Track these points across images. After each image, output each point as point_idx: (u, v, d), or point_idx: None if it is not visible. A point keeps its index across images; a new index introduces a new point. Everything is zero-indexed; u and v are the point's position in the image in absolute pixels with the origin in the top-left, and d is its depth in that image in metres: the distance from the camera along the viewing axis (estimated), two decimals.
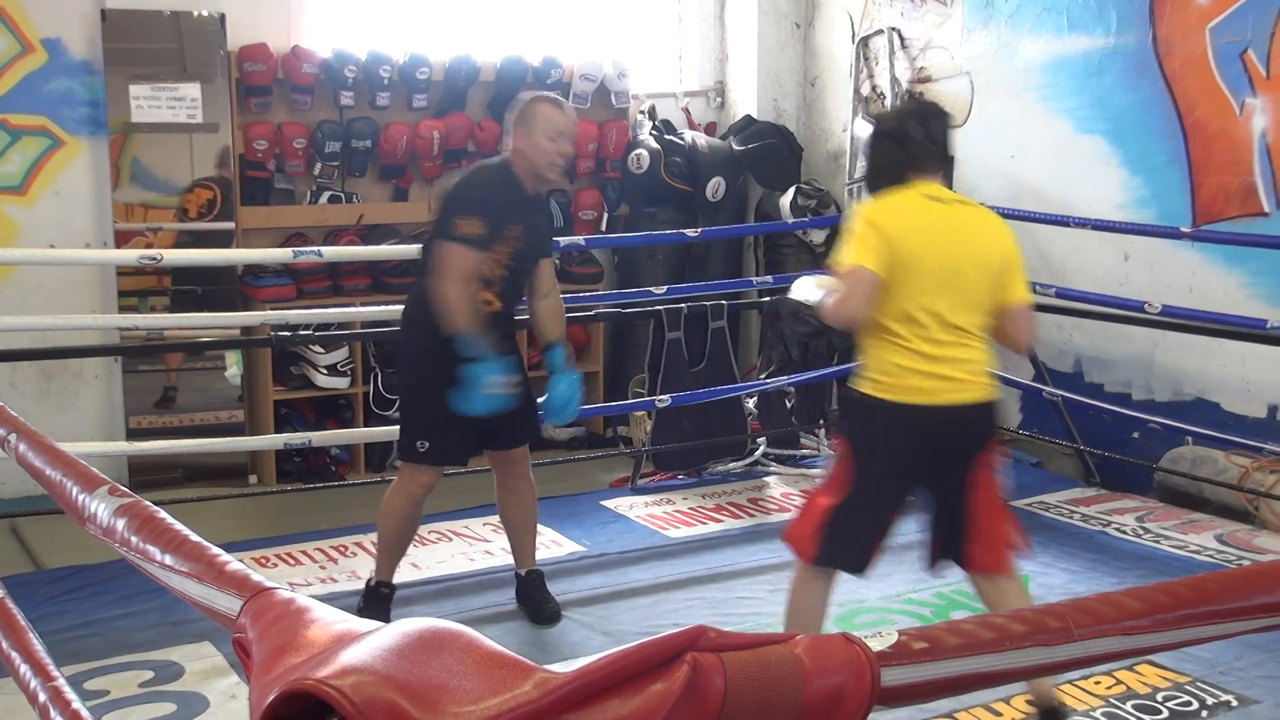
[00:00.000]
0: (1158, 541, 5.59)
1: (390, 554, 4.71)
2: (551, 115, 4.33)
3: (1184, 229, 5.92)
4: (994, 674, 1.34)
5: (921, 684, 1.28)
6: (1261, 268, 5.76)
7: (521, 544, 4.89)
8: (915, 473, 3.73)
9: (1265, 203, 5.77)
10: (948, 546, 3.80)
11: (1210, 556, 5.39)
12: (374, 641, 1.12)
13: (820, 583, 3.83)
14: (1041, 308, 6.19)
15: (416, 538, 5.68)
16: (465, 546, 5.65)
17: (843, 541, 3.73)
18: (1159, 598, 1.40)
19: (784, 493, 6.43)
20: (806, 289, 4.00)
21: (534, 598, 4.87)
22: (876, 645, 1.25)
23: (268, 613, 1.33)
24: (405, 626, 1.15)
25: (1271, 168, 5.74)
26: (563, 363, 4.64)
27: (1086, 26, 6.44)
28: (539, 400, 4.72)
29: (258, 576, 1.48)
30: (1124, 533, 5.72)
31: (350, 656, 1.09)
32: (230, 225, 6.58)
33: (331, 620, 1.27)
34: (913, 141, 3.70)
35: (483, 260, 4.26)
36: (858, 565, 3.79)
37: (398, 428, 4.69)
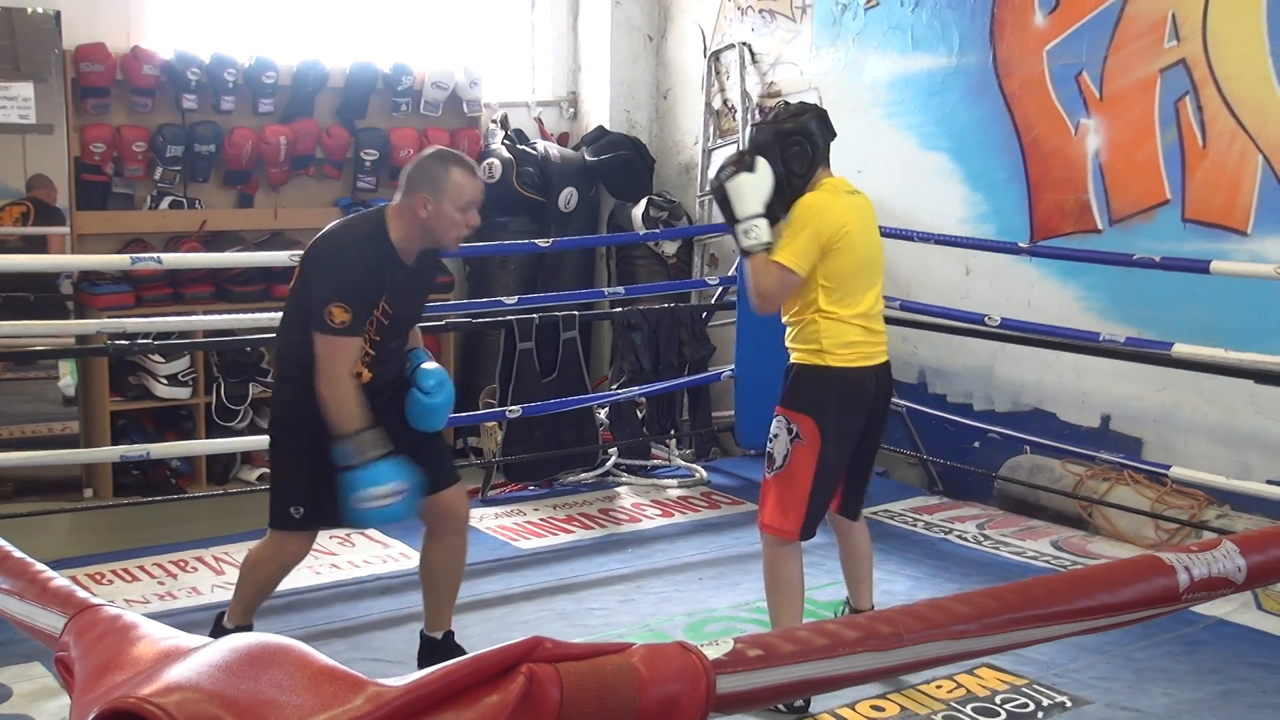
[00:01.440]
0: (997, 548, 5.75)
1: (249, 607, 4.29)
2: (464, 184, 3.88)
3: (1022, 244, 6.11)
4: (828, 679, 1.36)
5: (757, 690, 1.29)
6: (1095, 282, 5.97)
7: (444, 604, 4.40)
8: (859, 431, 4.12)
9: (1099, 220, 5.98)
10: (851, 497, 4.30)
11: (1047, 562, 5.56)
12: (201, 658, 1.09)
13: (799, 554, 4.11)
14: (887, 320, 6.31)
15: None
16: (311, 560, 5.51)
17: (817, 511, 4.07)
18: (986, 602, 1.44)
19: (635, 503, 6.45)
20: (744, 194, 3.93)
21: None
22: (712, 653, 1.26)
23: (91, 630, 1.28)
24: (233, 642, 1.12)
25: (1104, 186, 5.95)
26: (425, 356, 4.24)
27: (930, 46, 6.61)
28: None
29: (83, 593, 1.43)
30: (965, 539, 5.87)
31: (175, 674, 1.06)
32: (64, 230, 6.37)
33: (158, 637, 1.24)
34: (817, 138, 4.01)
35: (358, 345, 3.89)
36: (815, 531, 4.11)
37: (268, 491, 4.20)
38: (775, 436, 4.07)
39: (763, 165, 3.93)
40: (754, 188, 3.92)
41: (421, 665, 4.42)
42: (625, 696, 1.18)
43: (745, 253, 3.95)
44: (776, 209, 3.98)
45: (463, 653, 4.32)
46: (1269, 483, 5.30)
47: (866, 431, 4.16)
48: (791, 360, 4.11)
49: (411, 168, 3.96)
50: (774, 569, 4.12)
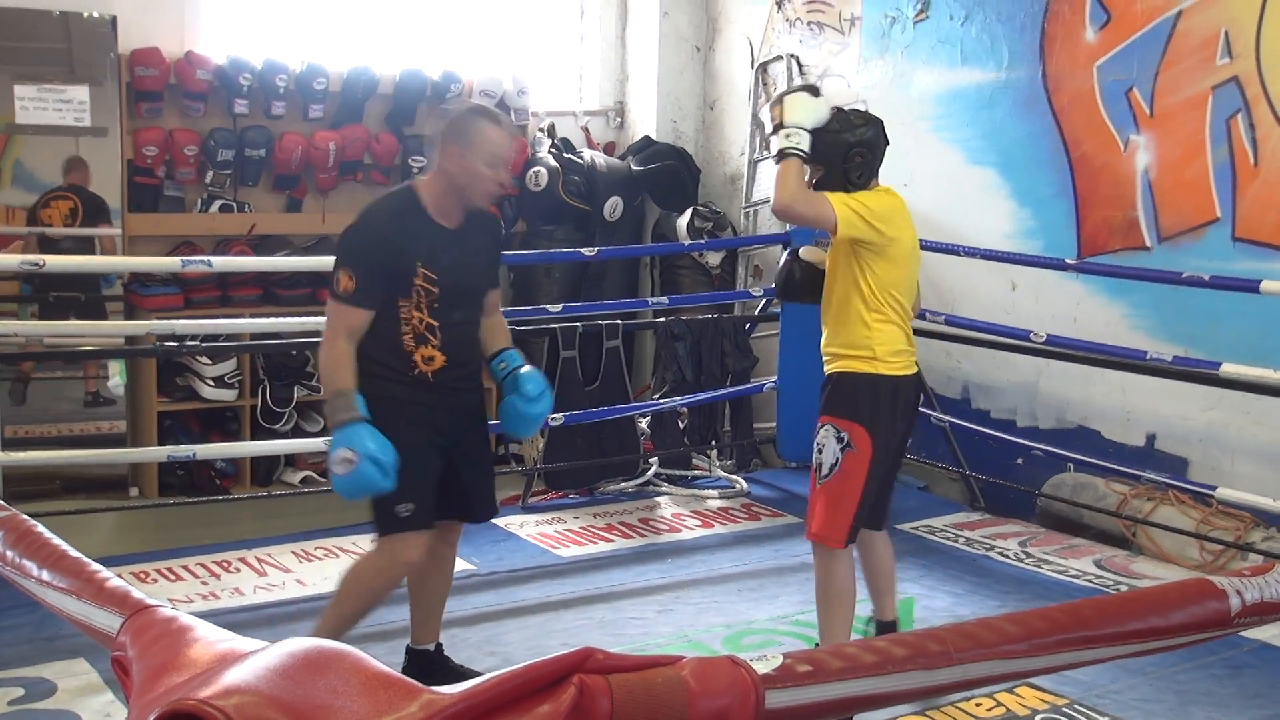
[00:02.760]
0: (1039, 566, 5.71)
1: (345, 626, 3.99)
2: (492, 137, 3.74)
3: (1069, 260, 6.07)
4: (876, 696, 1.36)
5: (805, 706, 1.29)
6: (1142, 300, 5.93)
7: (434, 615, 4.26)
8: (903, 439, 4.18)
9: (1147, 237, 5.94)
10: (880, 507, 4.25)
11: (1089, 581, 5.52)
12: (258, 661, 1.10)
13: (851, 564, 4.14)
14: (930, 334, 6.31)
15: (302, 553, 5.63)
16: (351, 564, 5.57)
17: (861, 519, 4.09)
18: (1036, 623, 1.43)
19: (675, 513, 6.45)
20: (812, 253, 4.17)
21: (439, 676, 4.00)
22: (761, 668, 1.26)
23: (148, 631, 1.30)
24: (290, 646, 1.13)
25: (1153, 203, 5.91)
26: (521, 360, 4.10)
27: (979, 60, 6.59)
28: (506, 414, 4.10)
29: (139, 594, 1.45)
30: (1006, 557, 5.83)
31: (234, 677, 1.08)
32: (116, 232, 6.44)
33: (214, 639, 1.25)
34: (879, 151, 4.08)
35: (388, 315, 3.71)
36: (856, 538, 4.13)
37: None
38: (823, 446, 4.06)
39: (826, 95, 4.06)
40: (812, 106, 3.98)
41: (418, 677, 4.43)
42: (675, 709, 1.18)
43: (781, 154, 3.96)
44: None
45: (453, 665, 4.26)
46: None
47: (902, 443, 4.21)
48: (837, 369, 4.10)
49: (441, 124, 3.87)
50: (828, 580, 4.12)
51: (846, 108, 4.29)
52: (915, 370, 4.15)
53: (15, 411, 6.42)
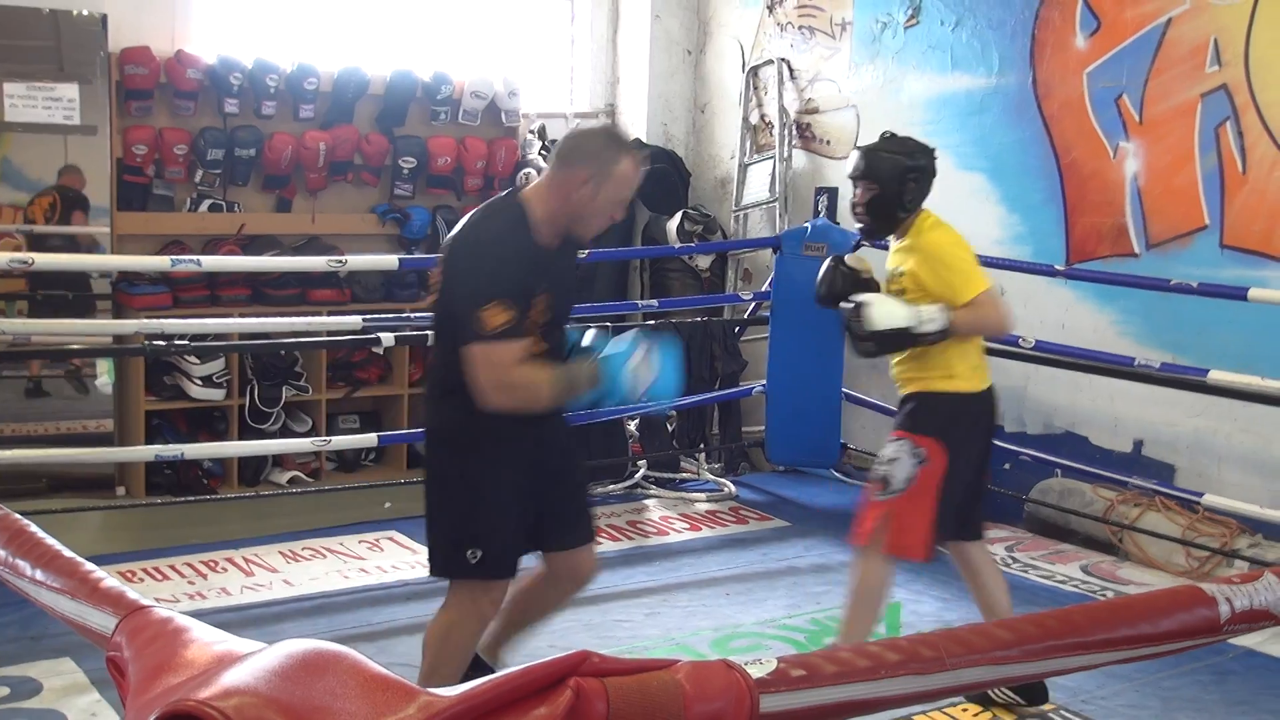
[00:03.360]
0: (1026, 571, 5.73)
1: (442, 683, 3.56)
2: (628, 174, 3.46)
3: (1058, 267, 6.09)
4: (870, 701, 1.37)
5: (799, 710, 1.30)
6: (1131, 306, 5.95)
7: (515, 636, 3.93)
8: (983, 452, 4.25)
9: (1135, 244, 5.97)
10: (970, 521, 4.27)
11: (1075, 586, 5.53)
12: (256, 663, 1.11)
13: (892, 568, 4.17)
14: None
15: (289, 554, 5.62)
16: (340, 564, 5.58)
17: (938, 533, 4.12)
18: (1028, 628, 1.44)
19: (663, 516, 6.46)
20: (891, 316, 4.04)
21: None
22: (756, 672, 1.27)
23: (144, 631, 1.30)
24: (288, 648, 1.14)
25: (1142, 210, 5.94)
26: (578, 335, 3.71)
27: (969, 66, 6.61)
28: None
29: (134, 594, 1.45)
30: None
31: (232, 678, 1.08)
32: (103, 230, 6.43)
33: (211, 640, 1.25)
34: (931, 180, 4.19)
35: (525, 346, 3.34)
36: (935, 553, 4.21)
37: (427, 542, 3.63)
38: (895, 459, 4.11)
39: (868, 296, 4.09)
40: (888, 308, 4.03)
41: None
42: (670, 712, 1.19)
43: (944, 334, 3.98)
44: (876, 231, 4.24)
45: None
46: None
47: (987, 450, 4.30)
48: (917, 388, 4.16)
49: (574, 141, 3.54)
50: (871, 583, 4.14)
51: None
52: (990, 384, 4.20)
53: (2, 409, 6.40)
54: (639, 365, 3.37)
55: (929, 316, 3.96)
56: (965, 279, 4.02)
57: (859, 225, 4.31)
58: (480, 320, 3.24)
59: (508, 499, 3.48)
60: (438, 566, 3.58)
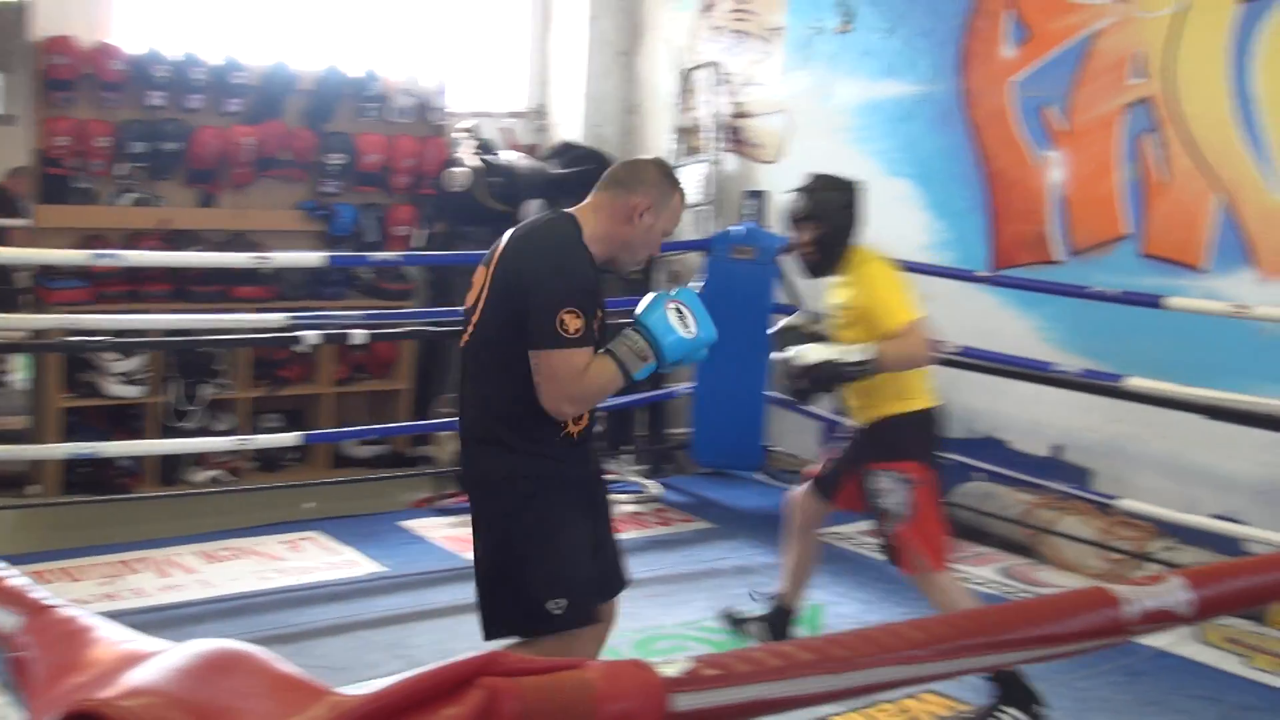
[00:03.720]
0: None
1: None
2: (679, 213, 3.45)
3: (982, 273, 6.17)
4: (782, 700, 1.38)
5: (712, 710, 1.31)
6: (1053, 313, 6.04)
7: None
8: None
9: (1058, 251, 6.05)
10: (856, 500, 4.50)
11: (994, 589, 5.60)
12: (162, 662, 1.09)
13: (949, 574, 4.35)
14: None
15: (207, 554, 5.55)
16: (259, 564, 5.52)
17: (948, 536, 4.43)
18: (939, 628, 1.46)
19: None
20: (820, 353, 4.22)
21: None
22: (668, 671, 1.27)
23: (49, 630, 1.28)
24: (195, 647, 1.12)
25: (1065, 218, 6.03)
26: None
27: (900, 73, 6.67)
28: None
29: (41, 592, 1.42)
30: None
31: (137, 677, 1.07)
32: (27, 223, 6.32)
33: (117, 639, 1.24)
34: (862, 207, 4.40)
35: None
36: None
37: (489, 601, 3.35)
38: (887, 491, 4.25)
39: (804, 345, 4.29)
40: (819, 349, 4.22)
41: None
42: (581, 712, 1.19)
43: (873, 367, 4.12)
44: (823, 268, 4.37)
45: None
46: (1215, 517, 5.37)
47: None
48: (877, 415, 4.31)
49: (631, 168, 3.47)
50: (951, 597, 4.28)
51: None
52: (940, 403, 4.41)
53: None
54: (677, 320, 3.26)
55: (857, 350, 4.13)
56: (901, 305, 4.19)
57: (807, 264, 4.45)
58: (560, 323, 3.12)
59: (583, 541, 3.33)
60: (517, 626, 3.31)
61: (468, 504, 3.43)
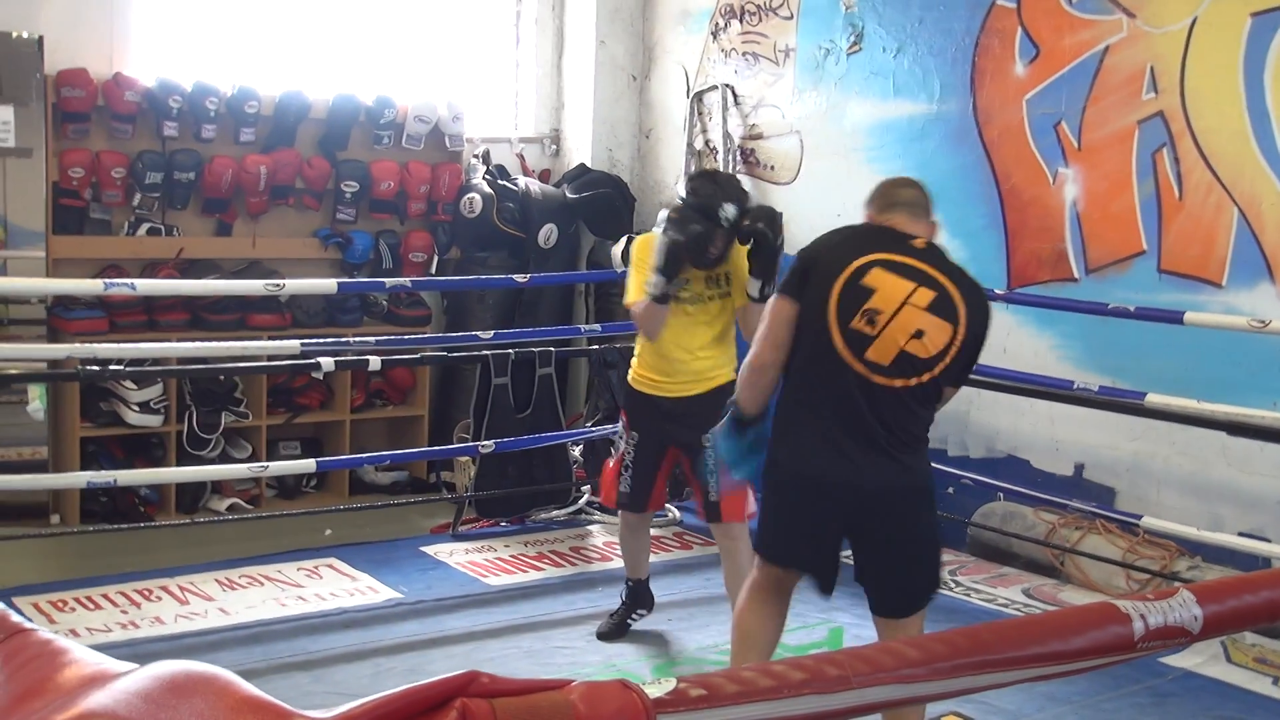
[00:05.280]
0: (968, 594, 5.72)
1: None
2: None
3: (999, 291, 6.11)
4: None
5: None
6: (1070, 331, 5.98)
7: None
8: None
9: (1075, 269, 6.00)
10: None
11: (1017, 609, 5.53)
12: (122, 685, 1.06)
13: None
14: None
15: (226, 582, 5.54)
16: (278, 591, 5.50)
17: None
18: (936, 647, 1.42)
19: (606, 541, 6.41)
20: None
21: None
22: (654, 692, 1.24)
23: (20, 654, 1.25)
24: (156, 670, 1.09)
25: (1081, 235, 5.98)
26: None
27: (911, 92, 6.64)
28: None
29: (17, 617, 1.40)
30: None
31: (94, 701, 1.04)
32: (41, 254, 6.34)
33: (88, 662, 1.21)
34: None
35: None
36: None
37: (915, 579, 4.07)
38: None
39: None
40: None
41: None
42: None
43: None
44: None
45: None
46: (1240, 535, 5.30)
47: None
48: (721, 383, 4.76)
49: (925, 191, 4.20)
50: (749, 546, 4.60)
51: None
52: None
53: None
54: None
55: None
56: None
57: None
58: None
59: None
60: (926, 598, 4.00)
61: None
